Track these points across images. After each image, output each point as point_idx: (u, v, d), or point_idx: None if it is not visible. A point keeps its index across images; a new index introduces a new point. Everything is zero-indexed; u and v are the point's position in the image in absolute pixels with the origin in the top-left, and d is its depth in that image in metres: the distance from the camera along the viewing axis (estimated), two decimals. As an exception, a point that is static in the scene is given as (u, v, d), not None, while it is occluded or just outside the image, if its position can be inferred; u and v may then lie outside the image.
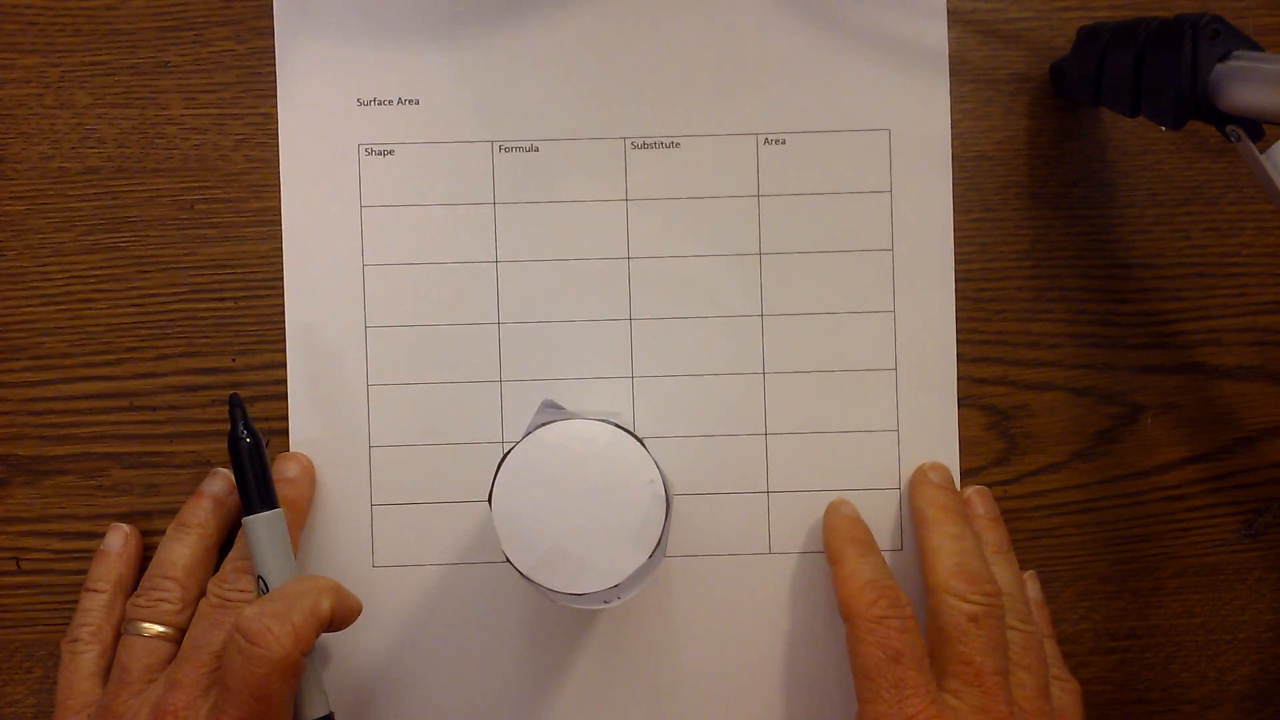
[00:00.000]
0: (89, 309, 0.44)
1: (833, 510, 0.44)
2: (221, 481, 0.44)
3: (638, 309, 0.44)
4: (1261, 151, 0.35)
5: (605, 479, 0.36)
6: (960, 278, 0.45)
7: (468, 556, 0.44)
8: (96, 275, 0.44)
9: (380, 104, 0.44)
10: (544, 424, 0.36)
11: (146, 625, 0.41)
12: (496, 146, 0.44)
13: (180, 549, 0.42)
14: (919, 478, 0.44)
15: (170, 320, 0.44)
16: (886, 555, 0.44)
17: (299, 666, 0.37)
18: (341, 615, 0.40)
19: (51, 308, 0.44)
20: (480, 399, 0.44)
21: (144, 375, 0.44)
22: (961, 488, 0.45)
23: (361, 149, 0.44)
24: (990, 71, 0.45)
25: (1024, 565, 0.45)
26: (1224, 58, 0.36)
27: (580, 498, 0.36)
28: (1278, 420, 0.46)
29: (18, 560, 0.45)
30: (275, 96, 0.44)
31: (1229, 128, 0.36)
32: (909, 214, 0.45)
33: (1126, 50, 0.39)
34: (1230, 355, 0.46)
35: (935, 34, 0.45)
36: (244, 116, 0.44)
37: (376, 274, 0.44)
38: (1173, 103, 0.37)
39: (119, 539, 0.44)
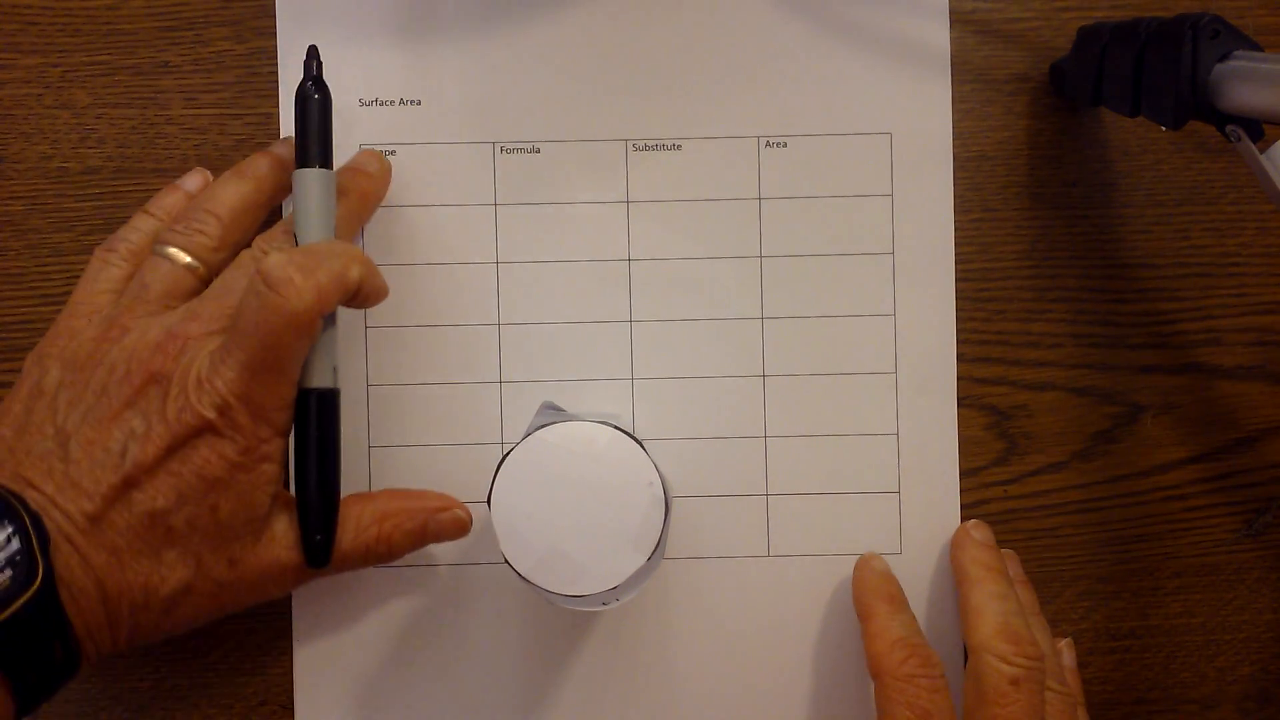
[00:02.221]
0: (89, 309, 0.44)
1: (863, 565, 0.44)
2: (289, 148, 0.42)
3: (638, 311, 0.44)
4: (1261, 151, 0.35)
5: (604, 481, 0.36)
6: (960, 278, 0.45)
7: (467, 557, 0.44)
8: (97, 275, 0.44)
9: (382, 104, 0.44)
10: (543, 425, 0.36)
11: (177, 252, 0.40)
12: (498, 147, 0.44)
13: (232, 191, 0.41)
14: (961, 536, 0.44)
15: (170, 320, 0.44)
16: (885, 558, 0.44)
17: (314, 326, 0.36)
18: (368, 290, 0.38)
19: (51, 308, 0.44)
20: (480, 400, 0.44)
21: (144, 375, 0.44)
22: (964, 504, 0.45)
23: (362, 149, 0.44)
24: (990, 71, 0.45)
25: (1024, 565, 0.45)
26: (1224, 58, 0.36)
27: (579, 499, 0.36)
28: (1278, 420, 0.46)
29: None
30: (275, 96, 0.44)
31: (1229, 128, 0.36)
32: (910, 218, 0.45)
33: (1126, 50, 0.39)
34: (1230, 355, 0.46)
35: (937, 36, 0.45)
36: (244, 116, 0.44)
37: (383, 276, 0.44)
38: (1173, 103, 0.37)
39: (198, 180, 0.43)
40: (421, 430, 0.44)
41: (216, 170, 0.44)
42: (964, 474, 0.45)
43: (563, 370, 0.44)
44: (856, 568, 0.44)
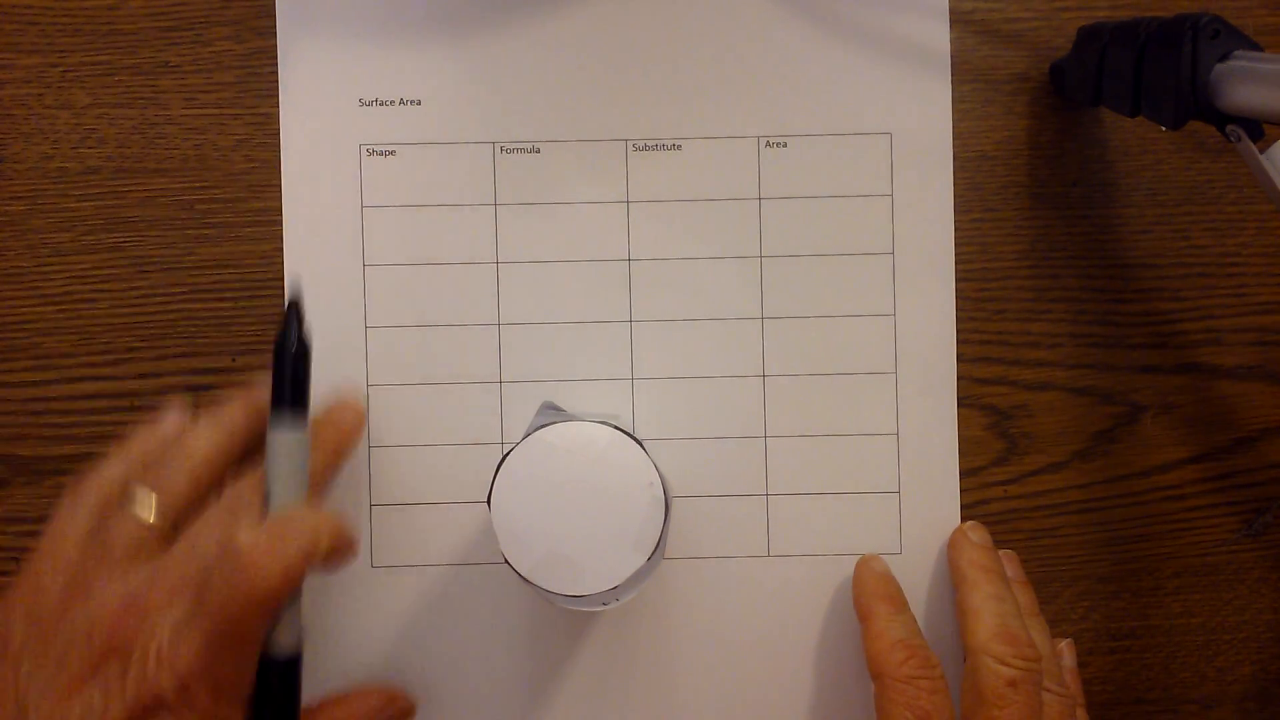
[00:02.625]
0: (89, 309, 0.44)
1: (863, 566, 0.44)
2: (267, 393, 0.41)
3: (638, 311, 0.44)
4: (1261, 151, 0.35)
5: (604, 481, 0.36)
6: (960, 278, 0.45)
7: (466, 558, 0.44)
8: (96, 275, 0.44)
9: (382, 104, 0.44)
10: (544, 425, 0.36)
11: (144, 505, 0.39)
12: (498, 147, 0.44)
13: (206, 441, 0.40)
14: (958, 537, 0.44)
15: (170, 320, 0.44)
16: (885, 559, 0.44)
17: (281, 604, 0.36)
18: (338, 556, 0.38)
19: (51, 308, 0.44)
20: (480, 400, 0.44)
21: (144, 375, 0.45)
22: (964, 504, 0.45)
23: (363, 149, 0.44)
24: (990, 71, 0.45)
25: (1024, 566, 0.45)
26: (1224, 58, 0.36)
27: (579, 500, 0.36)
28: (1278, 420, 0.46)
29: (18, 560, 0.45)
30: (275, 96, 0.44)
31: (1229, 128, 0.36)
32: (910, 218, 0.45)
33: (1126, 50, 0.39)
34: (1230, 355, 0.46)
35: (937, 36, 0.45)
36: (244, 116, 0.44)
37: (377, 274, 0.44)
38: (1173, 103, 0.37)
39: (175, 419, 0.42)
40: (421, 430, 0.44)
41: (214, 167, 0.44)
42: (964, 474, 0.45)
43: (563, 370, 0.44)
44: (857, 568, 0.44)
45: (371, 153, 0.44)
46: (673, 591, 0.44)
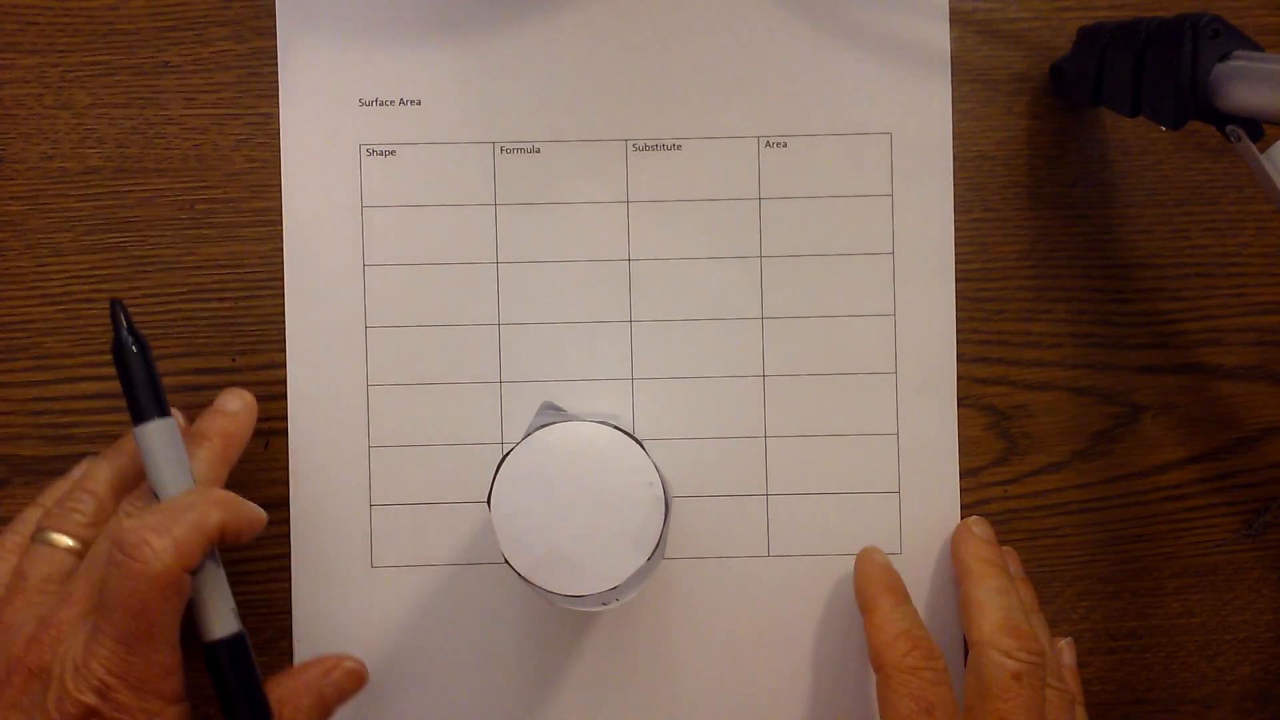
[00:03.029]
0: (89, 309, 0.44)
1: (865, 558, 0.44)
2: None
3: (638, 311, 0.44)
4: (1261, 151, 0.35)
5: (604, 481, 0.36)
6: (960, 278, 0.45)
7: (466, 558, 0.44)
8: (96, 275, 0.44)
9: (382, 104, 0.44)
10: (543, 425, 0.36)
11: (54, 535, 0.39)
12: (498, 147, 0.44)
13: (105, 466, 0.40)
14: (962, 531, 0.44)
15: (170, 320, 0.44)
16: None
17: (182, 583, 0.35)
18: (235, 529, 0.38)
19: (51, 308, 0.44)
20: (480, 400, 0.44)
21: (144, 375, 0.44)
22: (964, 504, 0.45)
23: (363, 149, 0.44)
24: (990, 71, 0.45)
25: (1024, 565, 0.45)
26: (1224, 58, 0.36)
27: (579, 500, 0.36)
28: (1278, 420, 0.46)
29: (18, 560, 0.45)
30: (275, 96, 0.44)
31: (1229, 128, 0.36)
32: (910, 218, 0.45)
33: (1126, 50, 0.39)
34: (1230, 355, 0.46)
35: (937, 36, 0.45)
36: (244, 116, 0.44)
37: (376, 274, 0.44)
38: (1173, 103, 0.37)
39: (81, 469, 0.42)
40: (421, 430, 0.44)
41: (214, 167, 0.44)
42: (964, 474, 0.45)
43: (563, 370, 0.44)
44: (858, 560, 0.44)
45: (371, 153, 0.44)
46: (673, 591, 0.44)
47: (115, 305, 0.38)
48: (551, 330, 0.44)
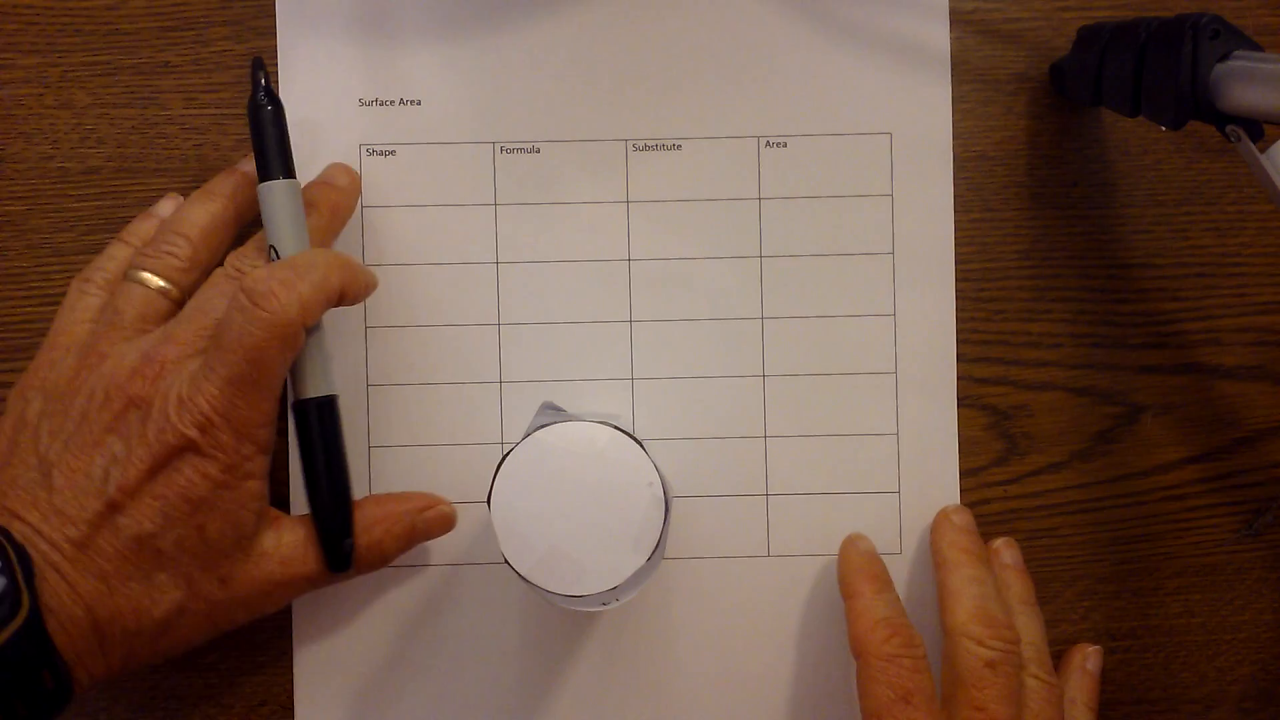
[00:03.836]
0: (89, 309, 0.44)
1: (848, 545, 0.44)
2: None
3: (638, 311, 0.44)
4: (1261, 151, 0.35)
5: (604, 481, 0.36)
6: (960, 278, 0.45)
7: (466, 557, 0.44)
8: (97, 275, 0.44)
9: (382, 104, 0.44)
10: (543, 425, 0.36)
11: (149, 276, 0.40)
12: (498, 148, 0.44)
13: (200, 211, 0.41)
14: (941, 520, 0.44)
15: (170, 320, 0.44)
16: (885, 558, 0.44)
17: (298, 339, 0.37)
18: (354, 290, 0.39)
19: (51, 308, 0.44)
20: (480, 400, 0.44)
21: (144, 375, 0.44)
22: (964, 504, 0.45)
23: (363, 149, 0.44)
24: (990, 71, 0.45)
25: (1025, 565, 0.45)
26: (1224, 58, 0.36)
27: (579, 500, 0.36)
28: (1278, 420, 0.46)
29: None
30: (275, 96, 0.44)
31: (1229, 128, 0.36)
32: (910, 218, 0.45)
33: (1126, 50, 0.39)
34: (1230, 355, 0.46)
35: (937, 36, 0.45)
36: (244, 116, 0.44)
37: (377, 274, 0.44)
38: (1173, 103, 0.37)
39: (170, 205, 0.43)
40: (421, 430, 0.44)
41: (214, 167, 0.44)
42: (964, 474, 0.45)
43: (563, 370, 0.44)
44: (842, 547, 0.44)
45: (371, 153, 0.44)
46: (673, 591, 0.45)
47: (256, 64, 0.40)
48: (551, 330, 0.44)
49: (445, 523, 0.42)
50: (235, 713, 0.44)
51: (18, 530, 0.36)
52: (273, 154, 0.40)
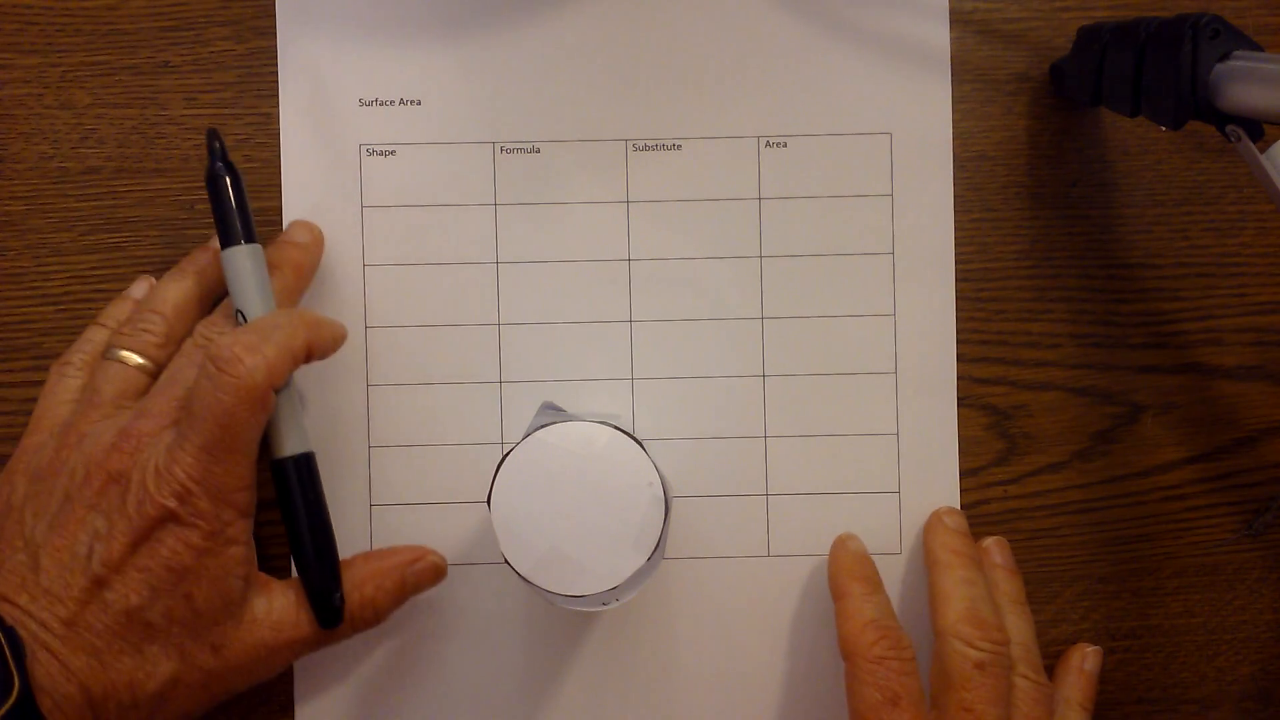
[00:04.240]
0: (89, 309, 0.44)
1: (839, 545, 0.44)
2: None
3: (638, 311, 0.44)
4: (1261, 151, 0.35)
5: (604, 481, 0.36)
6: (960, 278, 0.45)
7: (466, 557, 0.44)
8: (96, 275, 0.44)
9: (382, 104, 0.44)
10: (543, 426, 0.36)
11: (126, 354, 0.40)
12: (498, 148, 0.44)
13: (174, 288, 0.42)
14: (934, 522, 0.44)
15: (170, 320, 0.44)
16: (885, 558, 0.44)
17: (269, 400, 0.37)
18: (320, 346, 0.39)
19: (51, 308, 0.44)
20: (480, 400, 0.44)
21: (144, 375, 0.44)
22: (964, 504, 0.45)
23: (363, 149, 0.44)
24: (990, 71, 0.45)
25: (1024, 565, 0.45)
26: (1224, 58, 0.36)
27: (579, 500, 0.36)
28: (1278, 420, 0.46)
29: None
30: (275, 96, 0.44)
31: (1229, 128, 0.36)
32: (910, 218, 0.45)
33: (1126, 50, 0.39)
34: (1230, 355, 0.46)
35: (937, 36, 0.45)
36: (244, 116, 0.44)
37: (376, 274, 0.44)
38: (1173, 103, 0.37)
39: (143, 287, 0.44)
40: (421, 430, 0.44)
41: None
42: (964, 474, 0.45)
43: (563, 370, 0.44)
44: (833, 547, 0.44)
45: (371, 153, 0.44)
46: (673, 591, 0.44)
47: (211, 134, 0.40)
48: (551, 330, 0.44)
49: (436, 573, 0.42)
50: (235, 713, 0.44)
51: (7, 613, 0.36)
52: (233, 221, 0.40)
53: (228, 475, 0.37)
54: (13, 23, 0.44)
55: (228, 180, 0.40)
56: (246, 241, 0.40)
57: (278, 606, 0.40)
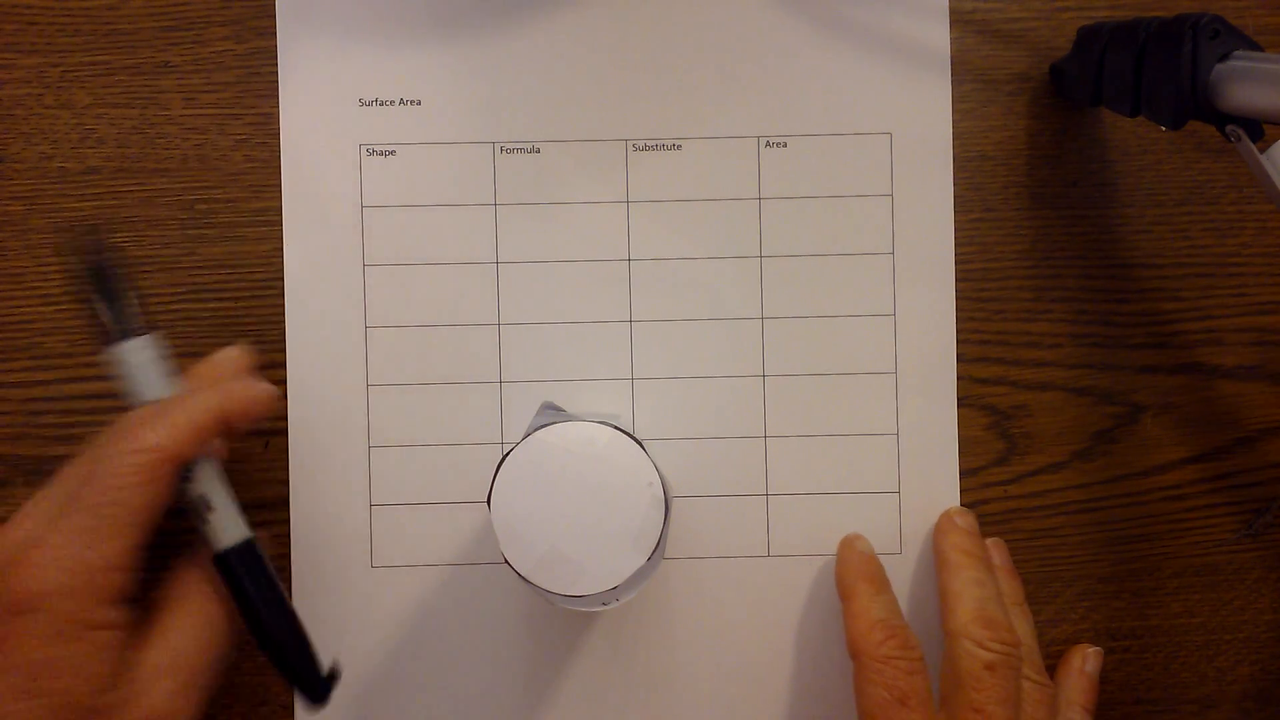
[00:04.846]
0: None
1: (846, 545, 0.44)
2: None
3: (638, 311, 0.44)
4: (1261, 151, 0.35)
5: (604, 481, 0.36)
6: (960, 278, 0.45)
7: (466, 558, 0.44)
8: (97, 275, 0.44)
9: (382, 104, 0.44)
10: (543, 425, 0.36)
11: None
12: (498, 147, 0.44)
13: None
14: (944, 522, 0.44)
15: (170, 320, 0.44)
16: (885, 559, 0.44)
17: (166, 474, 0.35)
18: (240, 410, 0.37)
19: (51, 308, 0.44)
20: (480, 400, 0.44)
21: (144, 375, 0.44)
22: (964, 504, 0.45)
23: (363, 149, 0.44)
24: (990, 72, 0.45)
25: (1024, 565, 0.45)
26: (1224, 58, 0.36)
27: (579, 500, 0.36)
28: (1278, 420, 0.46)
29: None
30: (275, 96, 0.44)
31: (1229, 128, 0.36)
32: (910, 218, 0.45)
33: (1126, 50, 0.39)
34: (1230, 355, 0.46)
35: (937, 36, 0.45)
36: (244, 116, 0.44)
37: (376, 274, 0.44)
38: (1173, 103, 0.37)
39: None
40: (421, 430, 0.44)
41: (214, 167, 0.44)
42: (964, 474, 0.45)
43: (563, 370, 0.44)
44: (840, 547, 0.44)
45: (371, 153, 0.44)
46: (673, 591, 0.44)
47: (91, 229, 0.39)
48: (551, 330, 0.44)
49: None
50: (235, 712, 0.44)
51: None
52: (116, 316, 0.38)
53: (94, 554, 0.34)
54: (13, 23, 0.44)
55: (105, 276, 0.37)
56: (135, 335, 0.38)
57: (172, 645, 0.37)
